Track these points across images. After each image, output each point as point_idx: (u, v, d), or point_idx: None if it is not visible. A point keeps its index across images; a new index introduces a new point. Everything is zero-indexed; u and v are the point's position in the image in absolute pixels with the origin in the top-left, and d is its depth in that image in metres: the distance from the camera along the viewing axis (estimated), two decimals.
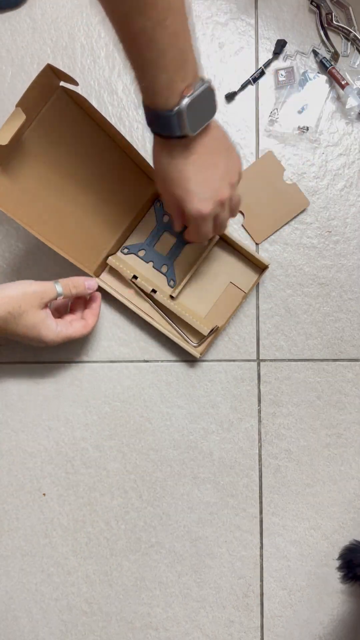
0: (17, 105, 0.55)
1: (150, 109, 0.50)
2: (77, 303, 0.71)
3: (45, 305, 0.63)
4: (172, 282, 0.74)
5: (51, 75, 0.56)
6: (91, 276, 0.70)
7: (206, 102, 0.51)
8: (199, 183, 0.55)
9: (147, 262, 0.75)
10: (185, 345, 0.73)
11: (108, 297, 0.74)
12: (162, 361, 0.77)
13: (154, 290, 0.73)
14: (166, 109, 0.49)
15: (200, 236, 0.63)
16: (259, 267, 0.75)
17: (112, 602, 0.76)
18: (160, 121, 0.50)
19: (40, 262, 0.77)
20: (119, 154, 0.68)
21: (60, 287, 0.64)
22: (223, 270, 0.76)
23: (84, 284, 0.66)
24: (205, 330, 0.73)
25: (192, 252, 0.75)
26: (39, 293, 0.61)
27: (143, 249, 0.75)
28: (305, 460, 0.76)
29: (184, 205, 0.57)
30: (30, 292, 0.61)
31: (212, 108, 0.52)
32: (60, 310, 0.70)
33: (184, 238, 0.69)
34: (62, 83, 0.59)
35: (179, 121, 0.49)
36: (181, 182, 0.55)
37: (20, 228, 0.77)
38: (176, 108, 0.48)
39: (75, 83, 0.57)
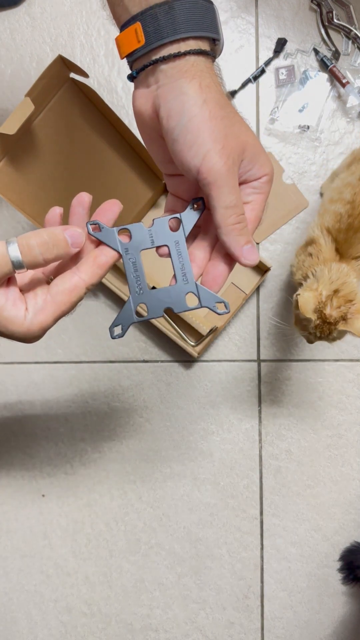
0: (26, 95, 0.54)
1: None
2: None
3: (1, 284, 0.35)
4: (117, 331, 0.39)
5: (61, 66, 0.56)
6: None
7: None
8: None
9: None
10: (183, 344, 0.73)
11: (108, 294, 0.74)
12: (161, 361, 0.76)
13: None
14: None
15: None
16: (261, 269, 0.75)
17: (112, 603, 0.76)
18: (205, 14, 0.34)
19: None
20: (126, 148, 0.67)
21: (17, 251, 0.34)
22: None
23: (64, 238, 0.36)
24: (204, 330, 0.72)
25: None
26: None
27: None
28: (306, 461, 0.76)
29: (264, 161, 0.36)
30: None
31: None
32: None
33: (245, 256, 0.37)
34: (72, 75, 0.59)
35: (215, 15, 0.35)
36: (249, 127, 0.36)
37: (19, 227, 0.76)
38: None
39: (86, 75, 0.57)
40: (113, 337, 0.39)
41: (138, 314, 0.39)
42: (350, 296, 0.55)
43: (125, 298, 0.73)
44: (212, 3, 0.35)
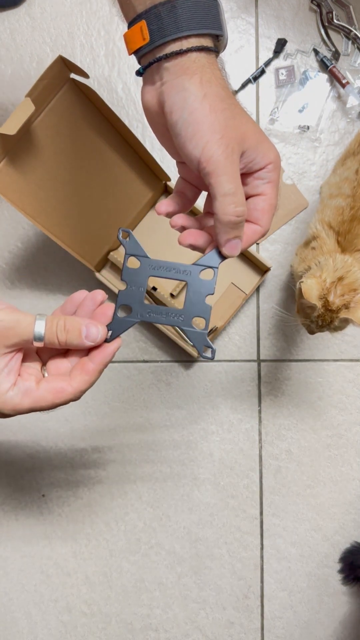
0: (26, 96, 0.54)
1: None
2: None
3: (12, 352, 0.37)
4: (209, 352, 0.42)
5: (62, 67, 0.56)
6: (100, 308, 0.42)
7: None
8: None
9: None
10: (183, 344, 0.73)
11: (108, 294, 0.74)
12: (161, 361, 0.76)
13: (154, 288, 0.72)
14: None
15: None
16: (261, 269, 0.75)
17: (112, 603, 0.76)
18: (208, 11, 0.35)
19: (40, 261, 0.76)
20: (125, 149, 0.67)
21: (42, 328, 0.37)
22: (224, 270, 0.75)
23: (81, 330, 0.38)
24: None
25: (193, 251, 0.75)
26: (2, 327, 0.36)
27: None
28: (306, 461, 0.76)
29: (267, 149, 0.37)
30: None
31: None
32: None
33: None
34: (72, 75, 0.59)
35: (222, 14, 0.36)
36: (251, 119, 0.38)
37: (19, 227, 0.76)
38: None
39: (86, 75, 0.57)
40: (212, 359, 0.45)
41: (201, 329, 0.41)
42: (355, 285, 0.55)
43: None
44: (215, 0, 0.36)
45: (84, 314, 0.39)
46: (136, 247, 0.41)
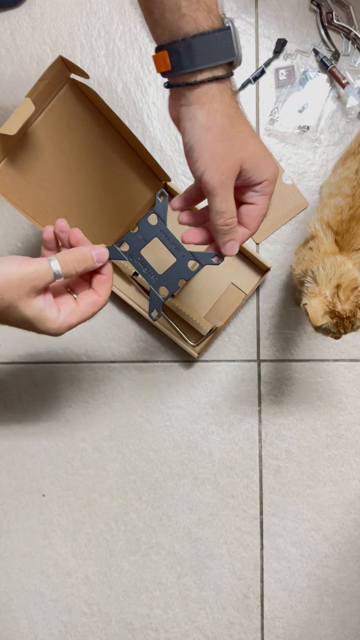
0: (26, 96, 0.54)
1: (201, 32, 0.41)
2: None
3: (41, 292, 0.47)
4: (155, 313, 0.52)
5: (62, 67, 0.56)
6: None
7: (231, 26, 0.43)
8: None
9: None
10: (183, 344, 0.73)
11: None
12: (161, 361, 0.76)
13: (135, 274, 0.72)
14: (220, 26, 0.41)
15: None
16: (261, 269, 0.75)
17: (112, 603, 0.76)
18: (217, 41, 0.41)
19: None
20: (125, 149, 0.67)
21: (58, 266, 0.46)
22: (224, 270, 0.75)
23: (92, 256, 0.48)
24: (204, 330, 0.72)
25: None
26: (30, 279, 0.45)
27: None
28: (305, 461, 0.76)
29: (264, 169, 0.45)
30: (17, 281, 0.44)
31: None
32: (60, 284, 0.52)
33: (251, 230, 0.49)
34: (72, 75, 0.59)
35: (235, 38, 0.42)
36: (253, 140, 0.44)
37: (19, 227, 0.76)
38: (228, 24, 0.42)
39: (86, 76, 0.57)
40: (154, 320, 0.52)
41: (162, 296, 0.51)
42: (354, 284, 0.54)
43: (124, 297, 0.73)
44: (228, 28, 0.42)
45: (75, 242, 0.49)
46: (162, 211, 0.50)
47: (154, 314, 0.51)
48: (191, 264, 0.50)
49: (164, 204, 0.50)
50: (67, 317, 0.48)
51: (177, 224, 0.50)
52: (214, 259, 0.49)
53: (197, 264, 0.49)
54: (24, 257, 0.46)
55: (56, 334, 0.48)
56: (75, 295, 0.50)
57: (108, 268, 0.50)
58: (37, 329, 0.47)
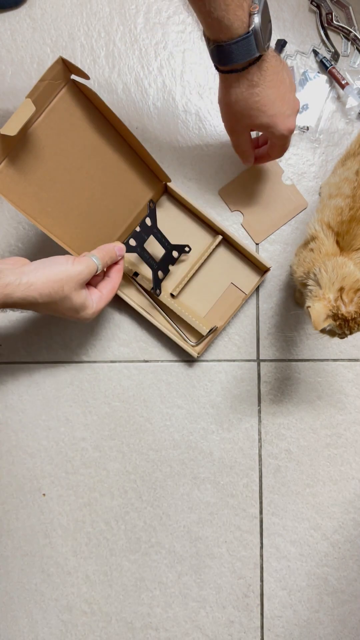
0: (27, 97, 0.55)
1: (226, 42, 0.51)
2: None
3: (85, 284, 0.59)
4: (158, 291, 0.73)
5: (62, 68, 0.56)
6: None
7: (267, 13, 0.52)
8: (280, 103, 0.57)
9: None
10: (183, 344, 0.73)
11: None
12: (162, 361, 0.77)
13: (154, 288, 0.73)
14: (243, 32, 0.50)
15: (284, 150, 0.65)
16: (261, 269, 0.75)
17: (112, 602, 0.76)
18: (240, 48, 0.51)
19: None
20: (126, 150, 0.68)
21: (99, 261, 0.60)
22: (224, 270, 0.76)
23: (115, 251, 0.64)
24: (204, 330, 0.73)
25: (194, 251, 0.75)
26: (84, 275, 0.57)
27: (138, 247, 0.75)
28: (305, 461, 0.76)
29: (273, 129, 0.59)
30: (75, 275, 0.56)
31: (270, 18, 0.54)
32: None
33: (262, 160, 0.70)
34: (72, 76, 0.59)
35: (256, 40, 0.51)
36: (265, 108, 0.56)
37: (20, 227, 0.77)
38: (251, 27, 0.50)
39: (87, 77, 0.57)
40: (158, 295, 0.73)
41: (160, 278, 0.73)
42: (356, 285, 0.55)
43: (127, 298, 0.73)
44: (249, 34, 0.51)
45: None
46: (153, 215, 0.71)
47: (158, 291, 0.72)
48: (174, 254, 0.73)
49: (154, 209, 0.71)
50: (98, 304, 0.61)
51: (165, 224, 0.73)
52: (186, 249, 0.74)
53: (177, 253, 0.74)
54: (69, 256, 0.59)
55: (89, 318, 0.61)
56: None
57: (121, 260, 0.65)
58: (78, 314, 0.59)
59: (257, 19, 0.50)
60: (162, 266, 0.72)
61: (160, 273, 0.72)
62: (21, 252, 0.76)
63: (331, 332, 0.57)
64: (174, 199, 0.75)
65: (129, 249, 0.67)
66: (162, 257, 0.72)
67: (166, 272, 0.73)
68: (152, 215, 0.70)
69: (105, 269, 0.64)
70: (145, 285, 0.73)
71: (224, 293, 0.75)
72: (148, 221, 0.69)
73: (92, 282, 0.63)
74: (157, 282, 0.72)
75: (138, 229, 0.69)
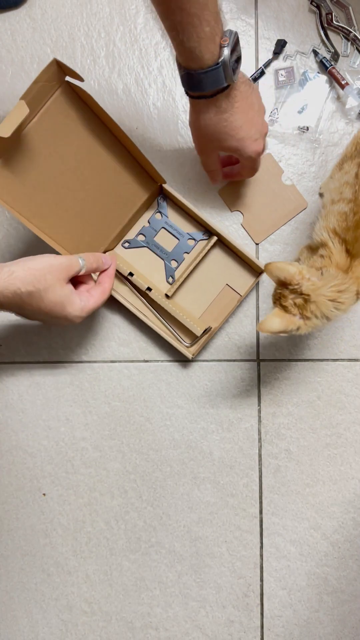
0: (21, 98, 0.55)
1: (196, 71, 0.54)
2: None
3: (69, 280, 0.60)
4: (171, 279, 0.75)
5: (56, 70, 0.56)
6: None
7: (237, 46, 0.55)
8: (247, 127, 0.59)
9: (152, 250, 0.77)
10: (178, 345, 0.73)
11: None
12: (162, 361, 0.77)
13: (149, 289, 0.73)
14: (213, 63, 0.53)
15: (255, 170, 0.69)
16: (256, 271, 0.75)
17: (112, 601, 0.76)
18: (209, 78, 0.54)
19: None
20: (121, 151, 0.68)
21: (83, 261, 0.61)
22: (220, 271, 0.76)
23: (102, 260, 0.66)
24: (198, 331, 0.72)
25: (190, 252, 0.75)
26: (65, 266, 0.58)
27: (143, 234, 0.76)
28: (305, 460, 0.76)
29: (241, 152, 0.61)
30: (57, 265, 0.57)
31: (240, 52, 0.56)
32: (74, 280, 0.65)
33: (234, 178, 0.74)
34: (67, 78, 0.59)
35: (225, 71, 0.53)
36: (233, 132, 0.59)
37: (19, 228, 0.77)
38: (221, 59, 0.53)
39: (81, 79, 0.57)
40: (170, 284, 0.75)
41: (172, 266, 0.76)
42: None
43: (121, 298, 0.73)
44: (219, 66, 0.53)
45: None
46: (164, 209, 0.75)
47: (170, 279, 0.76)
48: (190, 242, 0.75)
49: (164, 204, 0.75)
50: (85, 303, 0.61)
51: (175, 219, 0.75)
52: (204, 235, 0.75)
53: (194, 240, 0.75)
54: (54, 254, 0.60)
55: (78, 316, 0.60)
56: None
57: (112, 267, 0.67)
58: (64, 311, 0.58)
59: (226, 52, 0.52)
60: (175, 255, 0.75)
61: (173, 262, 0.75)
62: (22, 252, 0.77)
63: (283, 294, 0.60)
64: (169, 200, 0.75)
65: (136, 244, 0.73)
66: (175, 247, 0.75)
67: (180, 259, 0.75)
68: (164, 209, 0.74)
69: (95, 275, 0.66)
70: (140, 286, 0.73)
71: (219, 294, 0.75)
72: (158, 216, 0.74)
73: (81, 287, 0.64)
74: (170, 272, 0.75)
75: (148, 224, 0.74)
